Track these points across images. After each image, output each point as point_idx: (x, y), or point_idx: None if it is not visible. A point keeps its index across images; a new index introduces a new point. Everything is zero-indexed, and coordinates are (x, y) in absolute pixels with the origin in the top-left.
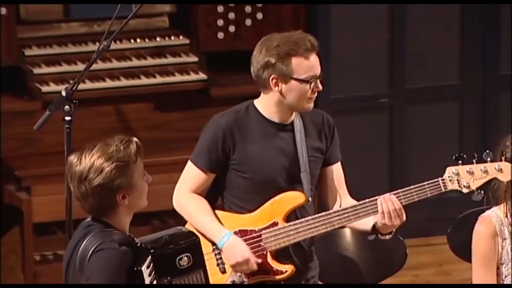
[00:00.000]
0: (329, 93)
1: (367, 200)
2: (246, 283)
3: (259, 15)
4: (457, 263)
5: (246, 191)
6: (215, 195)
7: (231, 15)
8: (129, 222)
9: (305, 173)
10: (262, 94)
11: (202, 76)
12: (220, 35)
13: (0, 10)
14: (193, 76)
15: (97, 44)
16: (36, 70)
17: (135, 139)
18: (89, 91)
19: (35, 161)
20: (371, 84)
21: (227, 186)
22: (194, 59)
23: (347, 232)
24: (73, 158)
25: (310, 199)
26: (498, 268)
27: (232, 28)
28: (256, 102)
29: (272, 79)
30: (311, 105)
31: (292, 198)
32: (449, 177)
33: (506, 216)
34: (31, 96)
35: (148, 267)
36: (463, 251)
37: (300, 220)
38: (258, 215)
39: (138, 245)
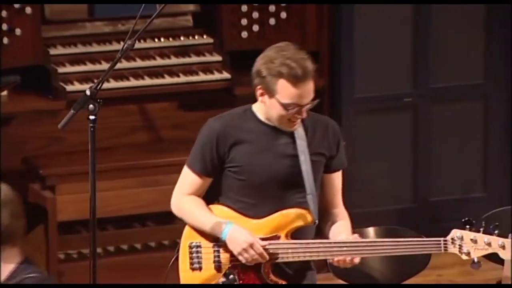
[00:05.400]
0: (352, 93)
1: (360, 240)
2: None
3: (283, 14)
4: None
5: (240, 194)
6: (212, 199)
7: (255, 14)
8: None
9: (311, 195)
10: None
11: (226, 75)
12: (244, 34)
13: (25, 10)
14: (217, 75)
15: (122, 43)
16: (61, 69)
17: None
18: (113, 90)
19: (59, 160)
20: (395, 83)
21: (222, 189)
22: (218, 58)
23: (371, 232)
24: None
25: (316, 221)
26: None
27: (256, 27)
28: (254, 106)
29: (259, 89)
30: (293, 127)
31: (301, 217)
32: (452, 239)
33: None
34: (56, 95)
35: None
36: None
37: (301, 241)
38: (263, 224)
39: None
